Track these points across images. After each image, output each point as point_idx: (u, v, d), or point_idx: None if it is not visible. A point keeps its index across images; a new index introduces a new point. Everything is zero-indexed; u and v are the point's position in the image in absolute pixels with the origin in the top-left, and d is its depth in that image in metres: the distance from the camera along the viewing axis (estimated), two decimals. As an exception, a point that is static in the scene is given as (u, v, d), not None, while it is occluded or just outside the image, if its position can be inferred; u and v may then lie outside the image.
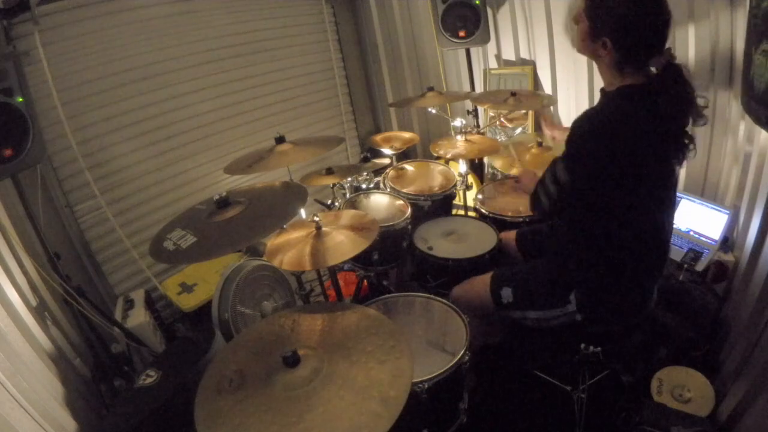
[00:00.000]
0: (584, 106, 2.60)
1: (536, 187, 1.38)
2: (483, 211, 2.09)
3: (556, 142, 2.09)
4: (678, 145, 1.27)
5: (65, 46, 2.22)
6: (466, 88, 3.06)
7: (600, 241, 1.34)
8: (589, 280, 1.38)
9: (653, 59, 1.20)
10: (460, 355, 1.31)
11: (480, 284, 1.60)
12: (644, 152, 1.21)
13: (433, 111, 2.83)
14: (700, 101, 1.23)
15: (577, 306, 1.41)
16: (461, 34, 2.67)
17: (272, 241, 1.50)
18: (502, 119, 2.96)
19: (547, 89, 2.79)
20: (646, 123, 1.19)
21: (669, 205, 1.35)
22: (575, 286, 1.40)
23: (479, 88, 3.10)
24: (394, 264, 2.01)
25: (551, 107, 2.79)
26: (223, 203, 1.30)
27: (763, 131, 1.60)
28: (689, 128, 1.28)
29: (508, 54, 2.96)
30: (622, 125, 1.18)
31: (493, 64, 3.08)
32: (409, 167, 2.44)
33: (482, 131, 2.76)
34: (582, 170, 1.24)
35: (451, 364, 1.28)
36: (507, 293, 1.52)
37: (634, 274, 1.36)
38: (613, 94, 1.25)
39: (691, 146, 1.28)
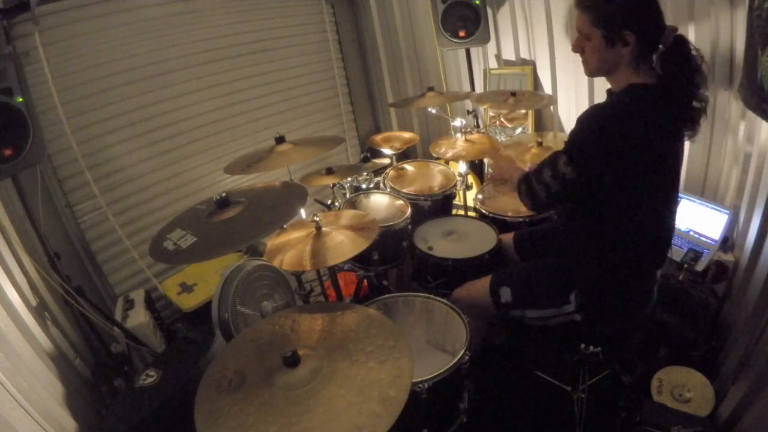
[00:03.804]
0: (584, 106, 2.57)
1: (529, 179, 1.38)
2: (483, 211, 2.09)
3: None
4: (688, 122, 1.25)
5: (65, 46, 2.21)
6: (466, 88, 3.06)
7: (601, 239, 1.34)
8: (590, 279, 1.38)
9: (663, 36, 1.19)
10: (460, 355, 1.31)
11: (480, 286, 1.60)
12: (652, 151, 1.21)
13: (433, 111, 2.83)
14: (704, 68, 1.21)
15: (576, 306, 1.41)
16: (461, 34, 2.67)
17: (272, 241, 1.50)
18: (502, 119, 2.96)
19: (547, 89, 2.79)
20: (656, 121, 1.19)
21: (673, 202, 1.35)
22: (575, 286, 1.40)
23: (479, 88, 3.10)
24: (394, 264, 2.01)
25: (551, 107, 2.79)
26: (223, 203, 1.30)
27: (764, 131, 1.60)
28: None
29: (508, 54, 2.96)
30: (630, 123, 1.18)
31: (493, 64, 3.08)
32: (409, 167, 2.44)
33: (482, 131, 2.76)
34: (588, 167, 1.23)
35: (451, 364, 1.28)
36: (506, 292, 1.52)
37: (635, 273, 1.36)
38: (622, 93, 1.24)
39: (699, 123, 1.26)
